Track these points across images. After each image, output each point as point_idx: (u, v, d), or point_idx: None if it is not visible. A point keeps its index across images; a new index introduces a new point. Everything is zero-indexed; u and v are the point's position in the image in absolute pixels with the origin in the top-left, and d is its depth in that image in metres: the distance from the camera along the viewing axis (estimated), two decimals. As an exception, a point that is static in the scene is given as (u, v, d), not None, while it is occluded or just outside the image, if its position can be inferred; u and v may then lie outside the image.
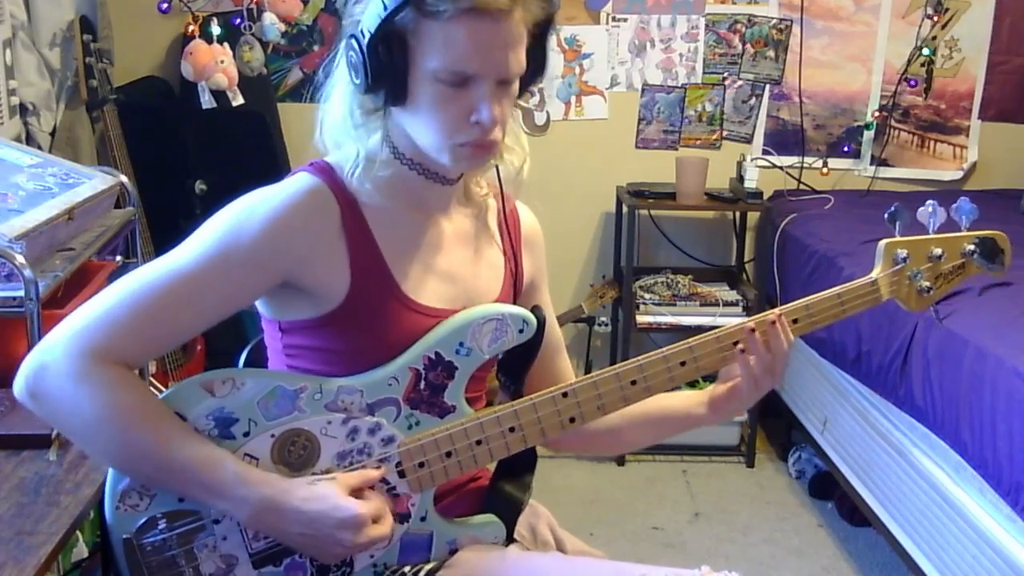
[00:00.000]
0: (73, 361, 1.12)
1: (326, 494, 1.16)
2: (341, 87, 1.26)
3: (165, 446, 1.14)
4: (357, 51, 1.18)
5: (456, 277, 1.31)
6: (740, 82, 3.63)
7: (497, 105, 1.18)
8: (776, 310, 1.33)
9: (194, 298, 1.17)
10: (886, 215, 1.40)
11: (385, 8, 1.14)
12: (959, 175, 3.71)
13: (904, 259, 1.38)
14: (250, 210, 1.19)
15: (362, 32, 1.17)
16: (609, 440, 1.47)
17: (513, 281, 1.38)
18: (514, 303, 1.37)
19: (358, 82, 1.20)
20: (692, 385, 3.38)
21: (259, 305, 1.28)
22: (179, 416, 1.18)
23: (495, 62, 1.17)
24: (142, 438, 1.14)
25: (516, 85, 1.22)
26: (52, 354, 1.13)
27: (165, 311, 1.16)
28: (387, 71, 1.17)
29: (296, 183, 1.22)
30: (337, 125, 1.26)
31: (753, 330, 1.30)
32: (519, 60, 1.19)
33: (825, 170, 3.63)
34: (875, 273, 1.38)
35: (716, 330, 1.31)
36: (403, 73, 1.17)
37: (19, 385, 1.15)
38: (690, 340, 1.30)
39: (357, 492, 1.19)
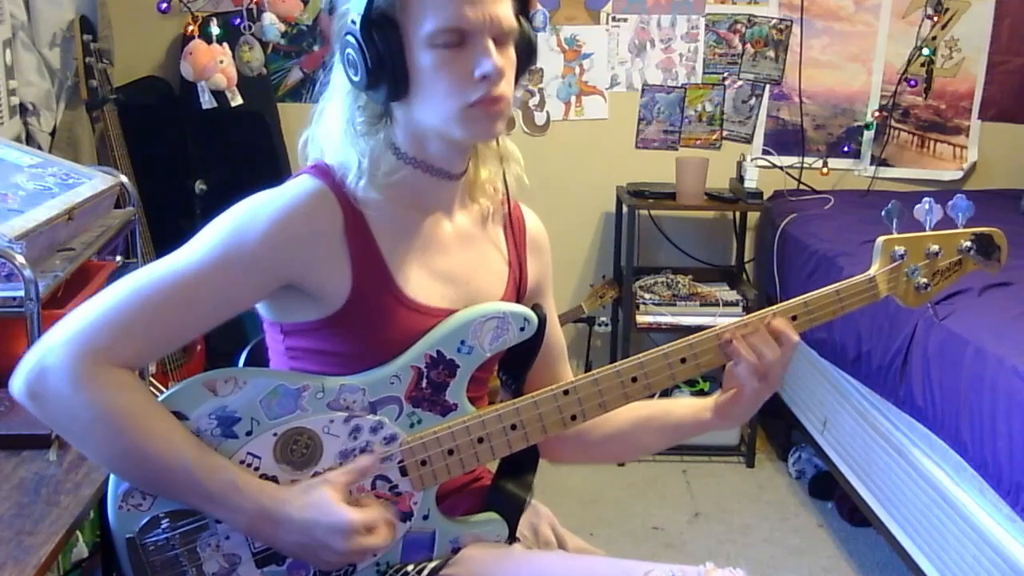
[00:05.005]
0: (73, 363, 1.12)
1: (319, 501, 1.16)
2: (339, 95, 1.26)
3: (162, 452, 1.14)
4: (353, 44, 1.18)
5: (457, 278, 1.31)
6: (740, 82, 3.63)
7: (499, 57, 1.18)
8: (772, 308, 1.33)
9: (196, 300, 1.17)
10: (883, 212, 1.41)
11: None
12: (959, 175, 3.71)
13: (902, 256, 1.38)
14: (253, 213, 1.19)
15: (353, 23, 1.18)
16: (615, 447, 1.45)
17: (516, 286, 1.38)
18: None
19: (357, 79, 1.20)
20: (691, 384, 3.39)
21: (260, 308, 1.28)
22: (181, 416, 1.18)
23: (485, 14, 1.17)
24: (139, 443, 1.13)
25: (513, 52, 1.22)
26: (52, 355, 1.12)
27: (167, 313, 1.16)
28: (385, 57, 1.17)
29: (299, 186, 1.22)
30: (336, 134, 1.25)
31: (731, 337, 1.28)
32: (508, 15, 1.20)
33: (825, 170, 3.63)
34: (873, 270, 1.39)
35: (716, 327, 1.31)
36: (400, 55, 1.17)
37: (18, 386, 1.14)
38: (690, 337, 1.30)
39: (354, 502, 1.19)
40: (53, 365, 1.12)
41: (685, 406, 1.41)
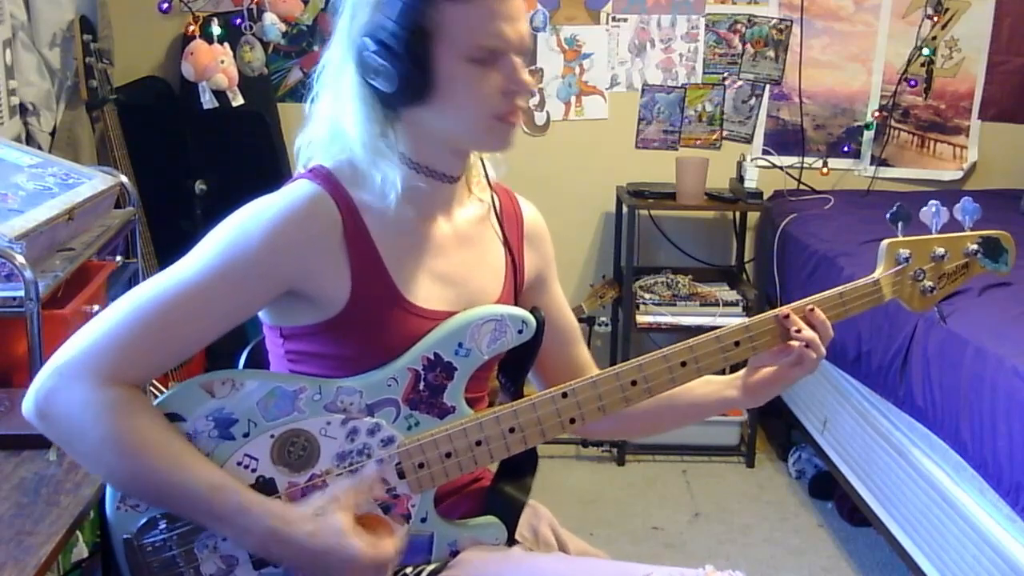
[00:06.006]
0: (82, 384, 1.12)
1: (332, 529, 1.15)
2: (347, 98, 1.23)
3: (169, 472, 1.14)
4: (380, 54, 1.17)
5: (457, 279, 1.31)
6: (740, 82, 3.63)
7: (526, 73, 1.22)
8: (776, 311, 1.33)
9: (200, 313, 1.17)
10: (888, 215, 1.40)
11: (406, 3, 1.16)
12: (959, 175, 3.71)
13: (906, 259, 1.38)
14: (252, 220, 1.19)
15: (382, 31, 1.17)
16: (640, 424, 1.49)
17: (514, 280, 1.38)
18: (516, 301, 1.36)
19: (388, 89, 1.19)
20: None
21: (260, 312, 1.28)
22: (179, 417, 1.18)
23: (520, 33, 1.21)
24: (146, 464, 1.14)
25: None
26: (61, 376, 1.13)
27: (172, 328, 1.16)
28: (414, 65, 1.17)
29: (297, 191, 1.22)
30: (356, 144, 1.23)
31: (787, 316, 1.32)
32: (530, 32, 1.24)
33: (825, 170, 3.64)
34: (877, 273, 1.38)
35: (716, 330, 1.31)
36: (431, 66, 1.18)
37: (28, 406, 1.15)
38: (690, 340, 1.31)
39: (364, 520, 1.18)
40: (63, 386, 1.13)
41: (708, 384, 1.41)
